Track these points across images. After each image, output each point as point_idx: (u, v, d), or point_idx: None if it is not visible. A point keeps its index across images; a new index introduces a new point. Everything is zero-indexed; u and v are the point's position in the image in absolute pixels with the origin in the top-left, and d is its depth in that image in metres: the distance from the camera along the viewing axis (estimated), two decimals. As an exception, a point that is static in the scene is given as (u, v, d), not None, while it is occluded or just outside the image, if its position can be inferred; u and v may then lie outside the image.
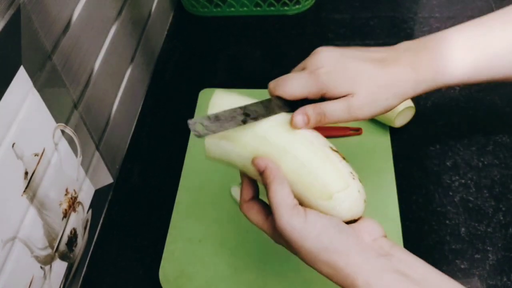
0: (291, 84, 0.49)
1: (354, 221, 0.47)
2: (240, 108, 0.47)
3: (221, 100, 0.49)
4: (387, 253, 0.45)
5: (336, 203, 0.46)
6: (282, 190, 0.45)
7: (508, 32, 0.51)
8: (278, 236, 0.47)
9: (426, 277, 0.44)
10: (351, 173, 0.47)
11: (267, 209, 0.50)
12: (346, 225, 0.46)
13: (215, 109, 0.48)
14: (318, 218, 0.45)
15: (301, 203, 0.46)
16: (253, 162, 0.47)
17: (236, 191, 0.71)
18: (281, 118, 0.49)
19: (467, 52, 0.51)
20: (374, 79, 0.50)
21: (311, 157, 0.47)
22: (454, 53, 0.51)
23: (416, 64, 0.50)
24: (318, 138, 0.49)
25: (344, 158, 0.48)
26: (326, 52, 0.51)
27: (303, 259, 0.46)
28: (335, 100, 0.49)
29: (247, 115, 0.47)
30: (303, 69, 0.52)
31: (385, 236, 0.47)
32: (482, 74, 0.52)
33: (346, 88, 0.49)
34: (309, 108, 0.49)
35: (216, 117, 0.46)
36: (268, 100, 0.50)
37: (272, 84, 0.51)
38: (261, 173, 0.46)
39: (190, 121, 0.45)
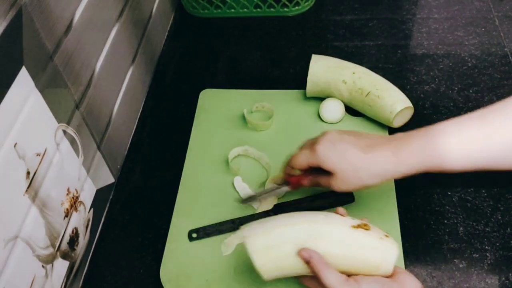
0: (299, 158, 0.63)
1: None
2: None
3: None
4: None
5: (384, 269, 0.53)
6: (331, 272, 0.51)
7: (509, 127, 0.54)
8: None
9: None
10: (381, 238, 0.53)
11: None
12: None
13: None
14: (368, 284, 0.51)
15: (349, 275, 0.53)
16: (299, 253, 0.53)
17: (238, 182, 0.73)
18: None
19: (462, 143, 0.55)
20: (355, 161, 0.59)
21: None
22: (445, 141, 0.55)
23: (397, 148, 0.57)
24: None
25: (365, 227, 0.54)
26: (329, 134, 0.61)
27: None
28: (325, 176, 0.61)
29: None
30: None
31: None
32: (481, 164, 0.55)
33: (332, 165, 0.59)
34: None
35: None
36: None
37: (288, 160, 0.66)
38: (308, 263, 0.53)
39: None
